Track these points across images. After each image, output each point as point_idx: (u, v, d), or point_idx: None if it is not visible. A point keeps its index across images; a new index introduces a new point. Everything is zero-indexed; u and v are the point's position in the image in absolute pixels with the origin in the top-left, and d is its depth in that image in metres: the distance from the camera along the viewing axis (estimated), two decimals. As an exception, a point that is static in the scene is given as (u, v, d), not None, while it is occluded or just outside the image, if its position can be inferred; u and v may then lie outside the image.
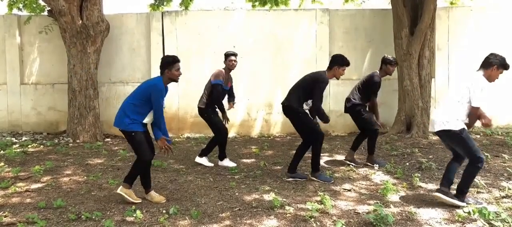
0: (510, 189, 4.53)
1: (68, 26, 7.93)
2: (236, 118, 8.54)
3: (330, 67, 5.01)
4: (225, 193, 4.60)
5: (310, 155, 5.06)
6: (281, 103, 5.16)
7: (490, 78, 3.99)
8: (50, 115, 8.98)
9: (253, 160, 6.33)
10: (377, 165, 5.66)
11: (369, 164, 5.74)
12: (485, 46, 8.17)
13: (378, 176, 5.26)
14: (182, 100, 8.64)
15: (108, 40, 8.52)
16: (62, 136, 8.43)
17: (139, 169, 4.24)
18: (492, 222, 3.56)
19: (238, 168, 5.68)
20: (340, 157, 6.28)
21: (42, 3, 8.52)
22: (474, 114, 3.95)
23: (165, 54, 8.26)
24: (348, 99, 5.80)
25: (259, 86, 8.71)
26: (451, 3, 9.64)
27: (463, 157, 4.14)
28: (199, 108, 5.78)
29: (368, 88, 5.67)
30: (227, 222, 3.73)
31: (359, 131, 6.00)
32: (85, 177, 5.34)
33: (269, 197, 4.31)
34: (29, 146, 7.51)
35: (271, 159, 6.32)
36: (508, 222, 3.55)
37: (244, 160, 6.28)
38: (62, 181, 5.19)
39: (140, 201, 4.25)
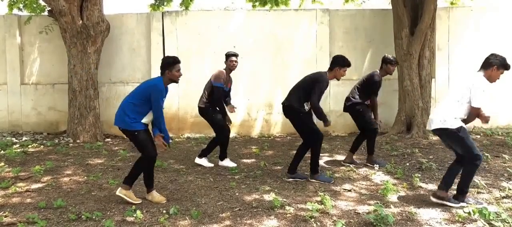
0: (510, 189, 4.53)
1: (69, 26, 7.93)
2: (236, 118, 8.53)
3: (331, 68, 5.01)
4: (225, 193, 4.60)
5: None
6: (282, 104, 5.16)
7: (491, 79, 3.99)
8: (50, 115, 8.99)
9: (253, 160, 6.33)
10: (377, 165, 5.66)
11: (369, 164, 5.74)
12: (485, 46, 8.17)
13: (378, 176, 5.26)
14: (182, 100, 8.64)
15: (108, 40, 8.52)
16: (62, 136, 8.43)
17: (143, 168, 4.23)
18: (492, 222, 3.56)
19: (238, 168, 5.68)
20: (340, 157, 6.28)
21: (43, 3, 8.52)
22: (474, 114, 3.96)
23: (165, 54, 8.27)
24: (348, 99, 5.80)
25: (259, 86, 8.71)
26: (452, 3, 9.64)
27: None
28: (200, 108, 5.77)
29: (368, 87, 5.68)
30: (227, 222, 3.73)
31: (358, 131, 6.00)
32: (85, 177, 5.34)
33: (269, 197, 4.31)
34: (30, 146, 7.51)
35: (271, 159, 6.31)
36: (508, 223, 3.55)
37: (244, 160, 6.28)
38: (62, 181, 5.19)
39: (140, 201, 4.25)
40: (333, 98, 8.49)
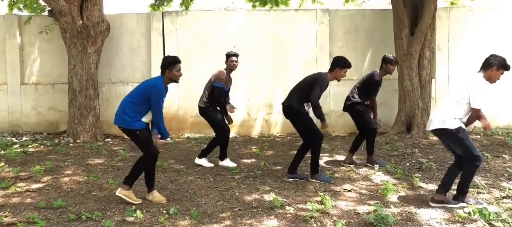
0: (510, 189, 4.53)
1: (69, 26, 7.93)
2: (236, 118, 8.53)
3: (331, 69, 5.01)
4: (226, 193, 4.60)
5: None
6: (282, 104, 5.16)
7: (491, 80, 3.99)
8: (50, 115, 8.99)
9: (253, 160, 6.33)
10: (377, 165, 5.66)
11: (369, 164, 5.74)
12: (485, 46, 8.17)
13: (379, 176, 5.26)
14: (182, 100, 8.64)
15: (108, 40, 8.52)
16: (62, 136, 8.43)
17: (144, 167, 4.23)
18: (493, 222, 3.56)
19: (238, 168, 5.68)
20: (341, 157, 6.28)
21: (43, 3, 8.52)
22: (475, 115, 3.94)
23: (166, 54, 8.27)
24: (348, 98, 5.80)
25: (259, 86, 8.71)
26: (452, 4, 9.64)
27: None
28: (200, 108, 5.77)
29: (368, 87, 5.68)
30: (227, 222, 3.73)
31: (358, 131, 6.00)
32: (85, 177, 5.34)
33: (269, 197, 4.31)
34: (30, 146, 7.51)
35: (271, 159, 6.31)
36: (508, 223, 3.55)
37: (244, 160, 6.28)
38: (62, 181, 5.19)
39: (140, 201, 4.25)
40: (333, 98, 8.48)
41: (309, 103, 4.96)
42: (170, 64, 4.15)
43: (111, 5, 12.20)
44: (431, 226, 3.64)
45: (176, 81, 4.25)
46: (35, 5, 8.63)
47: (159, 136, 4.20)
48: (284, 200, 4.25)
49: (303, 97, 4.96)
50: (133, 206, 4.11)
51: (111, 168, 5.90)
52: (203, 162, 5.91)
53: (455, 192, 4.16)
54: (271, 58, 8.70)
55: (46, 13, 8.44)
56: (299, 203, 4.20)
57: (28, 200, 4.41)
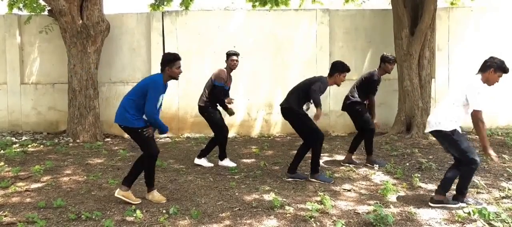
0: (510, 189, 4.53)
1: (69, 26, 7.93)
2: (236, 117, 8.53)
3: (331, 74, 5.02)
4: (225, 193, 4.60)
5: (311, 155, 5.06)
6: (280, 105, 5.15)
7: (489, 82, 3.97)
8: (50, 114, 8.99)
9: (253, 160, 6.33)
10: (377, 165, 5.66)
11: (368, 164, 5.74)
12: (485, 47, 8.19)
13: (378, 176, 5.26)
14: (182, 100, 8.64)
15: (108, 40, 8.52)
16: (62, 135, 8.43)
17: (144, 166, 4.22)
18: (492, 222, 3.56)
19: (238, 168, 5.68)
20: (340, 157, 6.28)
21: (43, 3, 8.52)
22: (476, 117, 3.85)
23: (165, 54, 8.26)
24: (347, 97, 5.81)
25: (259, 86, 8.71)
26: (452, 4, 9.64)
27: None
28: (200, 107, 5.77)
29: (367, 86, 5.69)
30: (227, 222, 3.73)
31: (357, 131, 6.00)
32: (85, 177, 5.34)
33: (269, 197, 4.31)
34: (29, 146, 7.51)
35: (271, 159, 6.31)
36: (508, 223, 3.55)
37: (244, 160, 6.28)
38: (62, 180, 5.19)
39: (139, 201, 4.24)
40: (333, 98, 8.48)
41: (308, 103, 4.96)
42: (170, 61, 4.13)
43: (111, 5, 12.18)
44: (431, 226, 3.64)
45: (176, 78, 4.23)
46: (35, 5, 8.62)
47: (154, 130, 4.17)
48: (284, 200, 4.25)
49: (302, 98, 4.96)
50: (133, 205, 4.11)
51: (111, 167, 5.90)
52: (203, 162, 5.91)
53: (454, 193, 4.16)
54: (271, 58, 8.70)
55: (46, 12, 8.44)
56: (299, 203, 4.20)
57: (28, 200, 4.41)
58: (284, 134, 8.65)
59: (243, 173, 5.45)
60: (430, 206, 4.08)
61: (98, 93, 8.38)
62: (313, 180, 4.99)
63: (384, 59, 5.70)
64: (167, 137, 8.31)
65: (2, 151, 6.94)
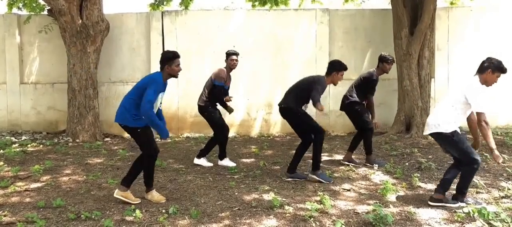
0: (509, 189, 4.54)
1: (68, 26, 7.93)
2: (235, 117, 8.54)
3: (328, 73, 5.01)
4: (225, 192, 4.60)
5: (311, 154, 5.05)
6: (278, 105, 5.15)
7: (487, 83, 3.96)
8: (49, 114, 8.98)
9: (252, 159, 6.33)
10: (377, 165, 5.66)
11: (368, 164, 5.74)
12: (485, 46, 8.19)
13: (378, 176, 5.26)
14: (182, 100, 8.64)
15: (108, 39, 8.52)
16: (61, 135, 8.43)
17: (143, 166, 4.21)
18: (491, 222, 3.57)
19: (238, 168, 5.68)
20: (340, 157, 6.28)
21: (42, 3, 8.52)
22: (480, 119, 3.82)
23: (165, 53, 8.25)
24: (345, 97, 5.81)
25: (259, 86, 8.71)
26: (451, 4, 9.64)
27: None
28: (199, 106, 5.77)
29: (366, 86, 5.69)
30: (227, 222, 3.73)
31: (356, 131, 6.00)
32: (84, 177, 5.34)
33: (268, 196, 4.31)
34: (29, 145, 7.51)
35: (271, 159, 6.32)
36: (507, 222, 3.56)
37: (244, 160, 6.28)
38: (61, 180, 5.19)
39: (139, 201, 4.24)
40: (333, 98, 8.48)
41: (306, 104, 4.97)
42: (169, 59, 4.12)
43: (110, 5, 12.17)
44: (430, 226, 3.64)
45: (176, 76, 4.21)
46: (34, 4, 8.62)
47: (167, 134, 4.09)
48: (283, 199, 4.25)
49: (300, 97, 4.96)
50: (132, 205, 4.11)
51: (110, 167, 5.89)
52: (202, 161, 5.91)
53: (454, 192, 4.16)
54: (270, 58, 8.70)
55: (45, 12, 8.43)
56: (298, 203, 4.20)
57: (27, 200, 4.41)
58: (284, 134, 8.65)
59: (242, 173, 5.45)
60: (429, 205, 4.08)
61: (98, 93, 8.38)
62: (313, 176, 4.98)
63: (382, 59, 5.70)
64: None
65: (1, 151, 6.94)
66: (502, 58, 4.12)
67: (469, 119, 4.09)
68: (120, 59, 8.87)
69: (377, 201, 4.17)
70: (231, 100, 5.85)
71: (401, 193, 4.53)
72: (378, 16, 8.78)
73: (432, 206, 4.06)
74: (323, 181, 4.94)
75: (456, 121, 3.99)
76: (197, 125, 8.44)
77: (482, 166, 5.51)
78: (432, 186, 4.72)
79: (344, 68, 4.97)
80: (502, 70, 3.94)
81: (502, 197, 4.33)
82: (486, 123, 3.84)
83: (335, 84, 5.09)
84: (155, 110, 4.12)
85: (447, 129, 3.95)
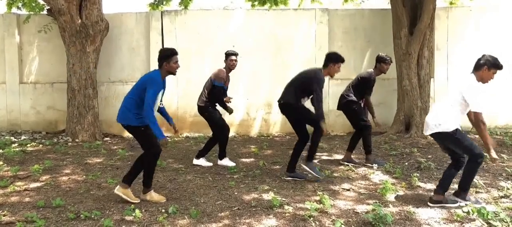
0: (508, 188, 4.54)
1: (68, 26, 7.92)
2: (235, 117, 8.54)
3: (325, 65, 5.01)
4: (224, 192, 4.60)
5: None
6: (278, 101, 5.15)
7: (483, 80, 3.96)
8: (49, 114, 8.98)
9: (252, 159, 6.33)
10: (376, 165, 5.67)
11: (368, 164, 5.74)
12: (484, 46, 8.17)
13: (377, 176, 5.26)
14: (182, 100, 8.64)
15: (107, 39, 8.51)
16: (61, 135, 8.43)
17: (144, 165, 4.21)
18: (491, 221, 3.57)
19: (237, 168, 5.68)
20: (339, 157, 6.29)
21: (42, 2, 8.51)
22: (477, 119, 3.83)
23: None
24: (343, 96, 5.82)
25: (259, 86, 8.71)
26: (451, 3, 9.65)
27: (462, 163, 4.11)
28: (199, 107, 5.77)
29: (363, 86, 5.70)
30: (226, 222, 3.73)
31: (354, 130, 6.00)
32: (84, 176, 5.34)
33: (268, 196, 4.31)
34: (28, 145, 7.50)
35: (270, 159, 6.32)
36: (506, 222, 3.56)
37: (243, 160, 6.28)
38: (61, 180, 5.19)
39: (138, 201, 4.24)
40: (333, 98, 8.47)
41: (305, 98, 4.96)
42: (167, 57, 4.11)
43: (110, 4, 12.19)
44: (430, 225, 3.64)
45: (174, 73, 4.20)
46: (34, 4, 8.62)
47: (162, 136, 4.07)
48: (283, 199, 4.25)
49: (299, 93, 4.96)
50: (132, 205, 4.10)
51: (110, 167, 5.89)
52: (201, 161, 5.91)
53: (452, 192, 4.16)
54: (270, 58, 8.70)
55: (45, 12, 8.43)
56: (298, 202, 4.20)
57: (27, 199, 4.41)
58: (283, 134, 8.66)
59: (242, 173, 5.45)
60: (429, 206, 4.08)
61: (97, 93, 8.38)
62: (305, 166, 4.97)
63: (380, 60, 5.71)
64: (167, 137, 8.29)
65: (1, 150, 6.94)
66: (502, 58, 4.12)
67: (469, 115, 4.09)
68: (119, 59, 8.87)
69: (377, 201, 4.18)
70: (231, 101, 5.85)
71: (401, 193, 4.53)
72: (378, 16, 8.78)
73: (431, 207, 4.06)
74: (314, 173, 4.93)
75: (456, 120, 3.99)
76: (197, 124, 8.44)
77: (481, 165, 5.51)
78: (431, 186, 4.72)
79: (341, 60, 4.98)
80: (498, 66, 3.94)
81: (501, 197, 4.33)
82: (483, 123, 3.85)
83: (332, 76, 5.10)
84: (156, 108, 4.12)
85: (448, 128, 3.95)
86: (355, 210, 4.00)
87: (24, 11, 9.23)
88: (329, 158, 6.38)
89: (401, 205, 4.13)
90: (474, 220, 3.66)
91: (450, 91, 4.14)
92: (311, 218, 3.72)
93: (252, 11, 9.10)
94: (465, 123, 4.21)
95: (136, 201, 4.21)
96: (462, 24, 8.62)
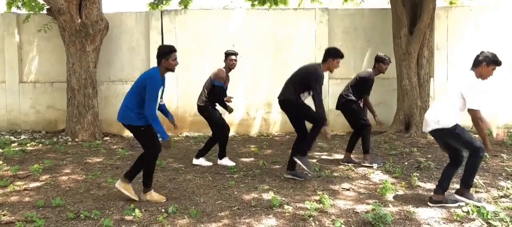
0: (508, 188, 4.54)
1: (67, 25, 7.92)
2: (235, 117, 8.54)
3: (324, 60, 5.01)
4: (224, 192, 4.60)
5: (311, 154, 5.05)
6: (278, 98, 5.15)
7: (482, 77, 3.97)
8: (49, 113, 8.98)
9: (252, 159, 6.33)
10: (375, 164, 5.67)
11: (366, 163, 5.74)
12: (484, 46, 8.13)
13: (377, 175, 5.26)
14: (182, 100, 8.64)
15: (107, 39, 8.51)
16: (61, 134, 8.42)
17: (144, 164, 4.22)
18: (491, 221, 3.57)
19: (237, 167, 5.68)
20: (339, 156, 6.29)
21: (41, 2, 8.51)
22: (475, 116, 3.85)
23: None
24: (342, 96, 5.82)
25: (258, 86, 8.71)
26: (451, 3, 9.66)
27: (461, 160, 4.11)
28: (199, 106, 5.76)
29: (362, 86, 5.70)
30: (226, 221, 3.73)
31: (353, 130, 6.00)
32: (84, 176, 5.34)
33: (268, 196, 4.31)
34: (28, 145, 7.50)
35: (270, 158, 6.32)
36: (506, 222, 3.56)
37: (243, 159, 6.28)
38: (61, 179, 5.19)
39: (138, 198, 4.24)
40: (332, 97, 8.48)
41: (305, 93, 4.96)
42: (166, 54, 4.10)
43: (110, 4, 12.21)
44: (430, 225, 3.64)
45: (173, 70, 4.19)
46: (33, 3, 8.61)
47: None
48: (283, 199, 4.25)
49: (298, 89, 4.95)
50: (132, 204, 4.10)
51: (110, 166, 5.89)
52: (201, 161, 5.91)
53: (454, 191, 4.16)
54: (270, 57, 8.70)
55: (44, 11, 8.43)
56: (298, 202, 4.20)
57: (27, 199, 4.41)
58: (283, 133, 8.66)
59: (242, 172, 5.45)
60: (429, 206, 4.08)
61: (97, 92, 8.37)
62: (297, 159, 4.94)
63: (379, 60, 5.72)
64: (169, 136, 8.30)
65: (0, 150, 6.94)
66: (502, 58, 4.12)
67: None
68: (119, 58, 8.87)
69: (377, 201, 4.18)
70: (231, 101, 5.85)
71: (400, 193, 4.53)
72: (378, 15, 8.78)
73: (431, 207, 4.06)
74: (305, 167, 4.91)
75: (456, 116, 3.99)
76: (196, 124, 8.44)
77: (481, 165, 5.53)
78: (431, 186, 4.72)
79: (340, 55, 4.96)
80: (497, 63, 3.94)
81: (501, 196, 4.33)
82: (481, 120, 3.86)
83: (331, 71, 5.08)
84: (157, 106, 4.13)
85: (448, 123, 3.95)
86: (355, 210, 4.00)
87: (24, 11, 9.23)
88: (329, 157, 6.38)
89: (401, 205, 4.13)
90: (473, 219, 3.66)
91: (449, 90, 4.14)
92: (311, 218, 3.72)
93: (252, 11, 9.10)
94: (465, 123, 4.20)
95: (135, 198, 4.21)
96: (462, 24, 8.63)
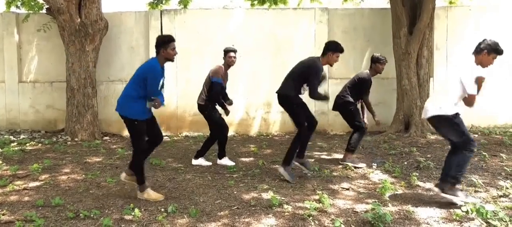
0: (507, 188, 4.54)
1: (67, 24, 7.91)
2: (235, 116, 8.54)
3: (324, 54, 5.00)
4: (224, 191, 4.60)
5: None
6: (276, 92, 5.15)
7: (483, 64, 3.97)
8: (48, 113, 8.97)
9: (251, 158, 6.33)
10: (375, 164, 5.68)
11: (346, 162, 5.68)
12: (483, 46, 8.18)
13: (376, 175, 5.27)
14: (181, 99, 8.64)
15: (106, 38, 8.51)
16: (60, 134, 8.42)
17: (133, 161, 4.31)
18: (490, 221, 3.57)
19: (237, 167, 5.68)
20: (339, 156, 6.29)
21: (41, 1, 8.51)
22: (469, 102, 3.89)
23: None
24: (339, 97, 5.83)
25: (258, 85, 8.71)
26: (450, 3, 9.66)
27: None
28: (199, 105, 5.76)
29: (360, 87, 5.70)
30: (226, 221, 3.73)
31: (351, 130, 6.00)
32: (83, 175, 5.33)
33: (267, 195, 4.31)
34: (27, 144, 7.50)
35: (270, 158, 6.32)
36: (505, 221, 3.56)
37: (243, 159, 6.28)
38: (60, 179, 5.19)
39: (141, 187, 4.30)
40: (332, 97, 8.45)
41: (305, 87, 4.95)
42: (165, 43, 4.11)
43: (109, 4, 12.18)
44: (429, 225, 3.64)
45: (172, 60, 4.21)
46: (33, 3, 8.61)
47: (163, 102, 4.22)
48: (282, 198, 4.25)
49: (297, 84, 4.95)
50: (131, 204, 4.10)
51: (109, 166, 5.89)
52: (200, 161, 5.90)
53: (438, 186, 4.13)
54: (269, 57, 8.70)
55: (44, 11, 8.43)
56: (297, 202, 4.20)
57: (26, 198, 4.40)
58: (283, 133, 8.65)
59: (241, 172, 5.45)
60: (428, 204, 4.08)
61: (97, 92, 8.37)
62: (280, 171, 4.95)
63: (375, 60, 5.72)
64: (166, 136, 8.30)
65: (0, 150, 6.93)
66: (502, 58, 4.12)
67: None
68: (119, 58, 8.87)
69: (376, 200, 4.18)
70: (231, 104, 5.84)
71: (400, 192, 4.54)
72: (377, 15, 8.78)
73: (430, 201, 4.05)
74: (287, 178, 4.89)
75: (457, 104, 4.00)
76: (196, 124, 8.43)
77: (480, 165, 5.54)
78: (431, 185, 4.73)
79: (340, 50, 4.95)
80: (498, 51, 3.94)
81: (501, 196, 4.33)
82: (473, 104, 3.93)
83: (331, 65, 5.07)
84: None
85: (449, 111, 3.96)
86: (354, 209, 4.00)
87: (23, 10, 9.22)
88: (328, 157, 6.38)
89: (400, 204, 4.13)
90: (473, 219, 3.67)
91: (451, 84, 4.12)
92: (311, 217, 3.72)
93: (251, 11, 9.09)
94: (465, 123, 4.21)
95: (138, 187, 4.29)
96: (462, 23, 8.63)
